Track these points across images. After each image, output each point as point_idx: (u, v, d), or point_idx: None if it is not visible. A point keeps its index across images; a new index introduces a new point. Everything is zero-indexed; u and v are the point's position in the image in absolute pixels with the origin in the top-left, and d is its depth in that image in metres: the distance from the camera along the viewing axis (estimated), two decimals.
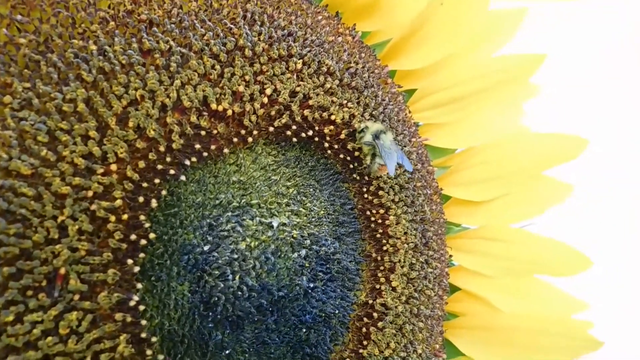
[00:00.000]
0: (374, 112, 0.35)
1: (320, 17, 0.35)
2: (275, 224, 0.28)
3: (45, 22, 0.25)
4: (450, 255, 0.42)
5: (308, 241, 0.29)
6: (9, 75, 0.23)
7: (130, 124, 0.25)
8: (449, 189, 0.44)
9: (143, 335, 0.24)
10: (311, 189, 0.31)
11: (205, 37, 0.28)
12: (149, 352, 0.24)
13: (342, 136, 0.32)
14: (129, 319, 0.23)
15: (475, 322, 0.43)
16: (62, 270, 0.22)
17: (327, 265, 0.30)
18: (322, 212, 0.31)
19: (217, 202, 0.27)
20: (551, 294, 0.43)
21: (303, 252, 0.29)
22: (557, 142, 0.42)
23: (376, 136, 0.32)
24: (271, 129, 0.29)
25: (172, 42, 0.26)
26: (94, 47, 0.25)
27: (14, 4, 0.25)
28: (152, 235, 0.25)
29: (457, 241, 0.44)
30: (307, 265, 0.29)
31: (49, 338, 0.22)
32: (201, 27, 0.28)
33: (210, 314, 0.26)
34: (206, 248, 0.26)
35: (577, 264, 0.42)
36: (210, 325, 0.26)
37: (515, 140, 0.43)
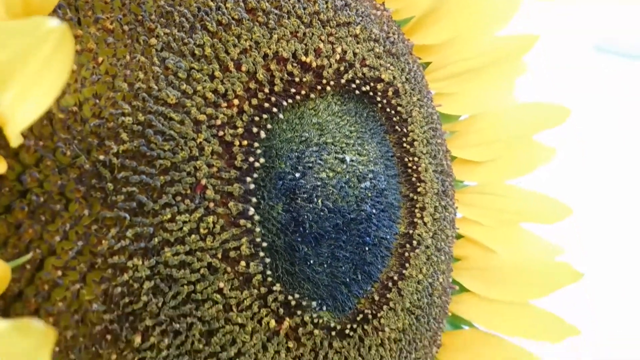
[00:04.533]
0: (408, 77, 0.43)
1: None
2: (347, 159, 0.36)
3: None
4: (456, 207, 0.52)
5: (370, 175, 0.37)
6: (152, 22, 0.29)
7: (243, 68, 0.31)
8: (455, 151, 0.53)
9: (258, 239, 0.31)
10: (366, 136, 0.39)
11: (290, 1, 0.35)
12: (261, 254, 0.31)
13: (389, 94, 0.40)
14: (249, 225, 0.30)
15: (475, 264, 0.52)
16: (203, 182, 0.29)
17: (381, 198, 0.38)
18: (375, 155, 0.39)
19: (303, 139, 0.34)
20: (535, 240, 0.54)
21: (368, 183, 0.37)
22: (544, 111, 0.53)
23: None
24: (342, 81, 0.36)
25: (267, 4, 0.33)
26: (212, 4, 0.31)
27: None
28: (262, 160, 0.31)
29: (461, 195, 0.53)
30: (369, 195, 0.37)
31: (193, 236, 0.28)
32: None
33: (300, 229, 0.34)
34: (297, 175, 0.34)
35: (559, 213, 0.52)
36: (298, 239, 0.34)
37: (508, 109, 0.53)
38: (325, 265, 0.35)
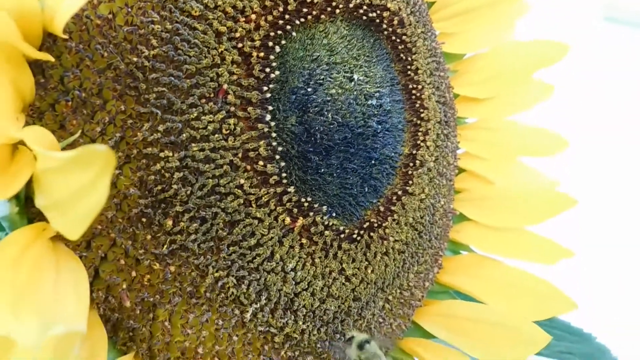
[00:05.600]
0: (413, 9, 0.45)
1: None
2: (355, 78, 0.38)
3: None
4: (458, 142, 0.54)
5: (377, 94, 0.40)
6: None
7: None
8: (457, 89, 0.55)
9: (274, 143, 0.34)
10: (373, 60, 0.41)
11: None
12: (277, 157, 0.34)
13: (394, 23, 0.43)
14: (266, 129, 0.33)
15: (475, 195, 0.55)
16: (225, 87, 0.32)
17: (386, 118, 0.41)
18: (381, 79, 0.41)
19: (314, 57, 0.37)
20: (532, 172, 0.57)
21: (374, 101, 0.39)
22: (542, 48, 0.55)
23: (360, 347, 0.37)
24: (350, 5, 0.39)
25: None
26: None
27: None
28: (277, 73, 0.34)
29: (463, 131, 0.56)
30: (375, 112, 0.40)
31: (216, 135, 0.31)
32: None
33: (312, 140, 0.36)
34: (309, 90, 0.36)
35: (555, 146, 0.55)
36: (310, 149, 0.36)
37: (508, 47, 0.55)
38: (335, 175, 0.38)
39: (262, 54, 0.33)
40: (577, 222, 0.54)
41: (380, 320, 0.44)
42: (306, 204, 0.36)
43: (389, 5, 0.42)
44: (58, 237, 0.29)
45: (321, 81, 0.37)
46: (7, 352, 0.19)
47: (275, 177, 0.34)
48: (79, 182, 0.19)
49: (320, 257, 0.37)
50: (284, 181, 0.34)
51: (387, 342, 0.43)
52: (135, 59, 0.30)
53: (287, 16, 0.35)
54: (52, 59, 0.26)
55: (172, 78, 0.30)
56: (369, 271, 0.40)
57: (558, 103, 0.59)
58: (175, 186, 0.30)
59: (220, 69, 0.32)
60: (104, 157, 0.18)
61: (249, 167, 0.33)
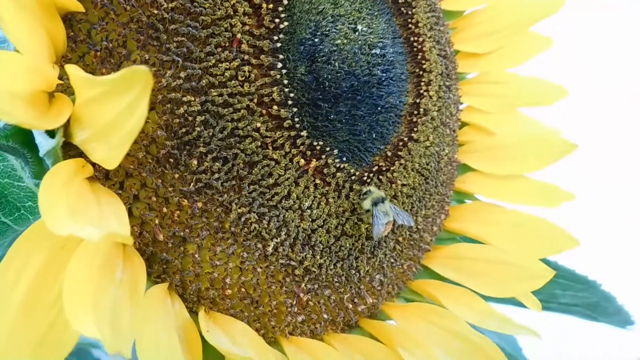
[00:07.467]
0: None
1: None
2: (359, 28, 0.40)
3: None
4: (460, 96, 0.56)
5: (380, 44, 0.42)
6: None
7: None
8: (457, 45, 0.57)
9: (286, 89, 0.36)
10: (375, 13, 0.43)
11: None
12: (290, 102, 0.36)
13: None
14: (278, 76, 0.35)
15: (478, 146, 0.57)
16: (238, 36, 0.34)
17: (390, 68, 0.43)
18: (383, 31, 0.43)
19: (319, 10, 0.39)
20: (532, 122, 0.59)
21: (378, 51, 0.41)
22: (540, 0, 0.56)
23: (375, 203, 0.40)
24: None
25: None
26: None
27: None
28: (285, 23, 0.36)
29: (465, 86, 0.57)
30: (380, 62, 0.42)
31: (233, 81, 0.34)
32: None
33: (321, 87, 0.39)
34: (316, 41, 0.38)
35: (555, 94, 0.57)
36: (320, 96, 0.39)
37: (505, 2, 0.57)
38: (344, 122, 0.41)
39: (271, 6, 0.36)
40: (578, 167, 0.56)
41: (392, 260, 0.46)
42: (318, 147, 0.38)
43: None
44: (94, 178, 0.31)
45: (327, 32, 0.39)
46: (70, 253, 0.22)
47: (288, 121, 0.36)
48: (121, 104, 0.22)
49: (333, 197, 0.39)
50: (297, 126, 0.37)
51: (407, 219, 0.44)
52: (155, 12, 0.32)
53: None
54: (83, 9, 0.29)
55: (190, 28, 0.33)
56: None
57: (560, 77, 0.60)
58: (198, 128, 0.33)
59: (233, 20, 0.34)
60: (144, 76, 0.21)
61: (264, 112, 0.35)
